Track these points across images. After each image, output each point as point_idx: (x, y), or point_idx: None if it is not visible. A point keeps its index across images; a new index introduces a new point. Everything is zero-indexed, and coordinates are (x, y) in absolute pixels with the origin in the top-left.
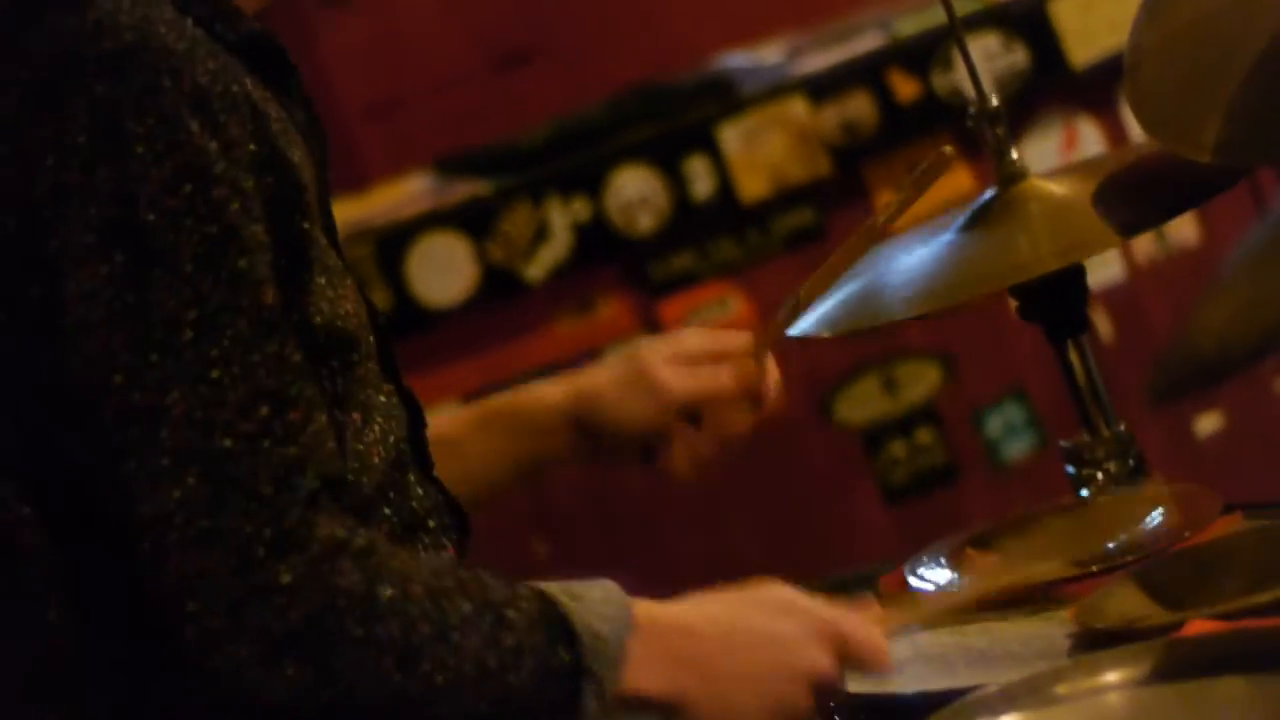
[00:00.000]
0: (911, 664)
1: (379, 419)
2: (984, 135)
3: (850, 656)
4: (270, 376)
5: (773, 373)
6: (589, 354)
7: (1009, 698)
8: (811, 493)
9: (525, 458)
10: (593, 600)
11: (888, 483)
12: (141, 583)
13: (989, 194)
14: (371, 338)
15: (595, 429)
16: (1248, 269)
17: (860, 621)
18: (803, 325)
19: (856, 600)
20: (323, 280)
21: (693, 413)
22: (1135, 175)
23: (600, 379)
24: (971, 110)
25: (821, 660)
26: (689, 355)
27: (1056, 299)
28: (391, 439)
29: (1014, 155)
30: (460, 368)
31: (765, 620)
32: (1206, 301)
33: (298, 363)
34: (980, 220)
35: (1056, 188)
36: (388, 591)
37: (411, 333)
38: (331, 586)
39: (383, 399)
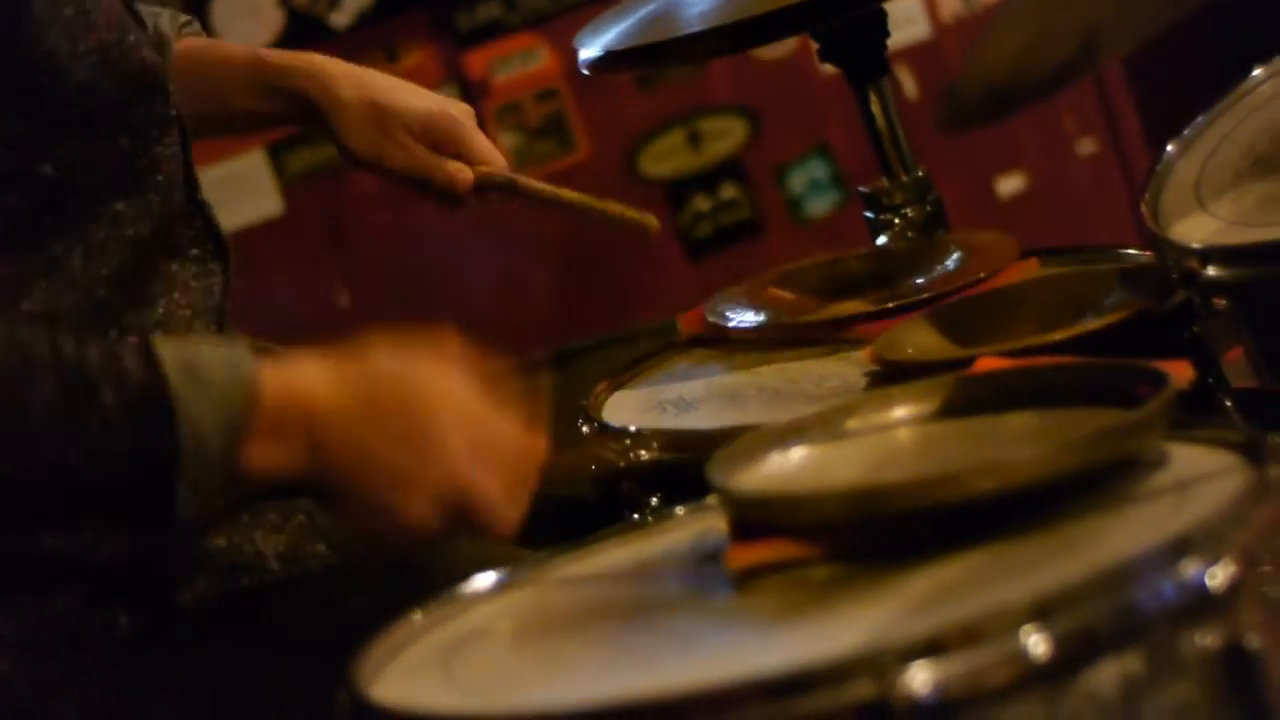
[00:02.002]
0: (705, 400)
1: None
2: None
3: (473, 521)
4: None
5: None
6: None
7: (799, 431)
8: (614, 246)
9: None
10: (211, 370)
11: (691, 236)
12: None
13: None
14: None
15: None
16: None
17: (494, 487)
18: (597, 47)
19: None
20: None
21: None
22: None
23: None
24: None
25: (427, 517)
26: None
27: (855, 40)
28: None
29: None
30: None
31: (413, 394)
32: (997, 31)
33: None
34: None
35: None
36: None
37: None
38: None
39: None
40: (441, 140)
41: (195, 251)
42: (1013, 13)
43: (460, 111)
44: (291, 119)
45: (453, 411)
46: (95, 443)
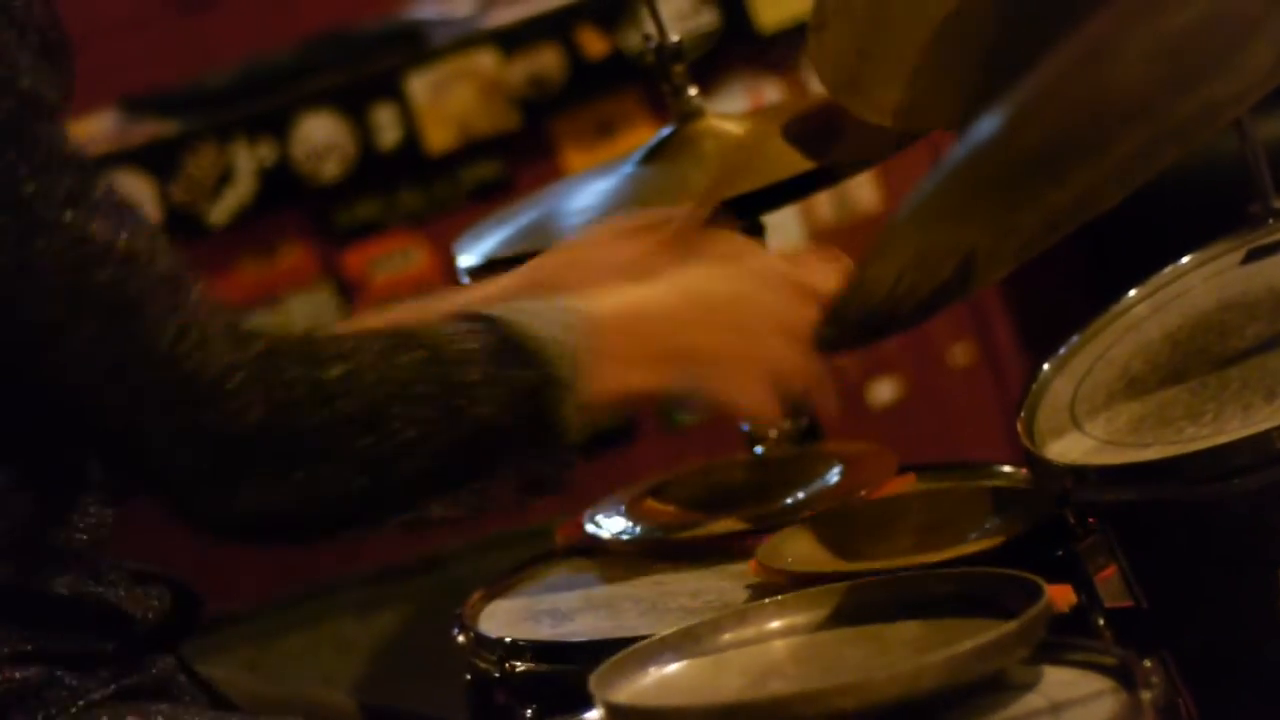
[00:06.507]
0: (581, 611)
1: None
2: (664, 72)
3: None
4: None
5: None
6: (269, 300)
7: (686, 641)
8: None
9: None
10: (540, 310)
11: None
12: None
13: (666, 131)
14: None
15: None
16: (917, 221)
17: (813, 262)
18: (476, 253)
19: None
20: None
21: None
22: (813, 123)
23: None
24: (652, 45)
25: (789, 308)
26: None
27: None
28: None
29: (692, 92)
30: None
31: (724, 285)
32: (877, 253)
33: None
34: (657, 155)
35: (733, 126)
36: (335, 370)
37: None
38: (279, 383)
39: None
40: None
41: None
42: (892, 235)
43: None
44: None
45: (760, 272)
46: (474, 390)
